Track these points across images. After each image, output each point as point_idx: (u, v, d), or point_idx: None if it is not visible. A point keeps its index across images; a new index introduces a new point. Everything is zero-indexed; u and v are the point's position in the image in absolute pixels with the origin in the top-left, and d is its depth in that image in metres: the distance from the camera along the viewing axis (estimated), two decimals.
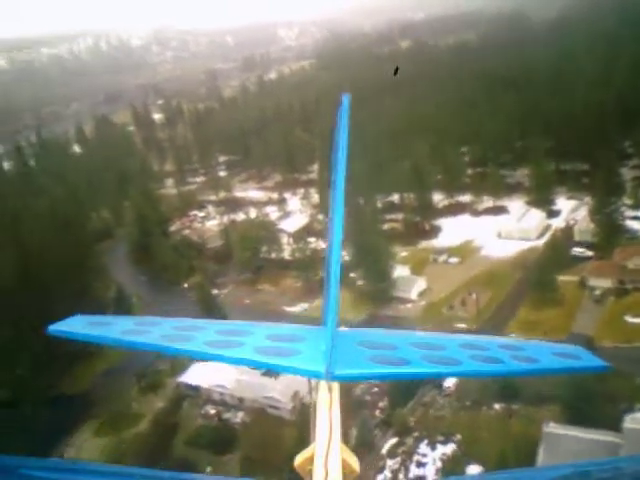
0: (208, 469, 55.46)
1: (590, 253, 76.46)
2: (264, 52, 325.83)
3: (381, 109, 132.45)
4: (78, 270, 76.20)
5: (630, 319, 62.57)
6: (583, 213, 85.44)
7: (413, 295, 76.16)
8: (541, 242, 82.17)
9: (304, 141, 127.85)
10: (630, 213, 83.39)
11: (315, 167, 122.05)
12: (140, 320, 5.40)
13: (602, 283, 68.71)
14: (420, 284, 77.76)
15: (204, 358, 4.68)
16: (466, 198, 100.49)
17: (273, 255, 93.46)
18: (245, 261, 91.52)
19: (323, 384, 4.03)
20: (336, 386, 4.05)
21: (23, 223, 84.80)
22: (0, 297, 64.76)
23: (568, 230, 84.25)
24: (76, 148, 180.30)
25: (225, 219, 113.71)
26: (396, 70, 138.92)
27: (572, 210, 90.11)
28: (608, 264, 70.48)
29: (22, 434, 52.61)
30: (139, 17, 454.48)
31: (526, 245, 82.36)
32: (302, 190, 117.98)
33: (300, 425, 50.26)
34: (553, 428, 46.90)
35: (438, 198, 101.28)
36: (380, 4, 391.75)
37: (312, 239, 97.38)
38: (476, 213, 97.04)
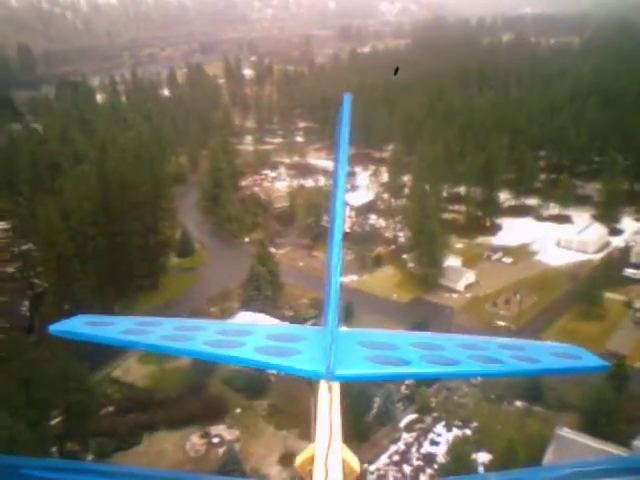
0: (237, 410, 59.82)
1: None
2: (362, 24, 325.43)
3: (469, 100, 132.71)
4: (152, 207, 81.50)
5: None
6: None
7: (460, 286, 78.17)
8: (597, 257, 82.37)
9: (384, 120, 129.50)
10: None
11: (390, 147, 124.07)
12: (141, 320, 5.48)
13: None
14: (469, 277, 79.65)
15: (204, 358, 4.73)
16: (533, 202, 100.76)
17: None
18: (306, 226, 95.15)
19: (323, 384, 4.14)
20: (336, 386, 4.14)
21: (109, 154, 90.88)
22: (77, 221, 70.62)
23: (626, 250, 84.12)
24: (166, 92, 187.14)
25: (295, 183, 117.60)
26: (396, 70, 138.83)
27: (635, 232, 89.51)
28: None
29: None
30: None
31: (582, 257, 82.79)
32: (373, 167, 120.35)
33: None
34: (565, 432, 48.91)
35: (505, 197, 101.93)
36: None
37: (373, 216, 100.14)
38: (540, 218, 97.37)
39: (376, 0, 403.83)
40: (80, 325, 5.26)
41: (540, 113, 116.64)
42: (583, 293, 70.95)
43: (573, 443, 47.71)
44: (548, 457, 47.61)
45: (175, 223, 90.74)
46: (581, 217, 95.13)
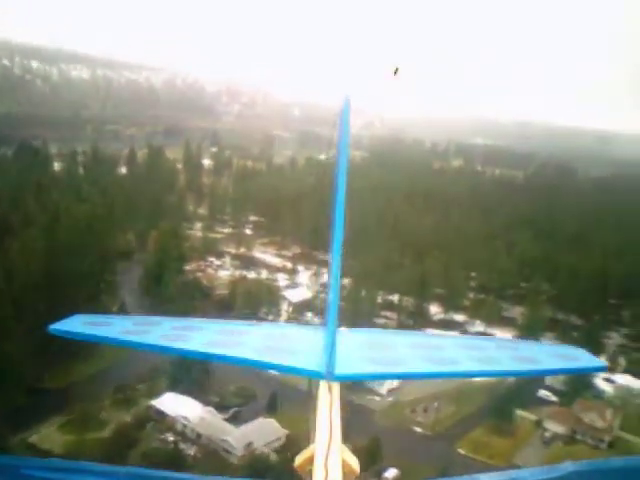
0: None
1: (555, 399, 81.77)
2: (323, 133, 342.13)
3: (415, 217, 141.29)
4: (96, 278, 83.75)
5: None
6: None
7: (383, 390, 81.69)
8: (515, 379, 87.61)
9: (331, 225, 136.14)
10: (603, 374, 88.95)
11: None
12: (140, 320, 5.53)
13: (555, 428, 73.92)
14: (393, 382, 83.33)
15: (204, 358, 4.72)
16: (461, 317, 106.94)
17: (270, 317, 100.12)
18: (244, 315, 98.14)
19: (323, 384, 4.27)
20: (336, 386, 4.28)
21: (60, 222, 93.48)
22: (20, 283, 72.30)
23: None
24: (124, 169, 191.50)
25: (237, 273, 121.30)
26: (396, 70, 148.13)
27: None
28: (567, 412, 75.86)
29: None
30: (221, 66, 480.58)
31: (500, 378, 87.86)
32: (315, 267, 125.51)
33: (246, 473, 55.94)
34: None
35: (435, 310, 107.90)
36: (444, 122, 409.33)
37: (310, 314, 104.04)
38: (465, 333, 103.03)
39: (339, 112, 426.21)
40: (79, 325, 5.29)
41: (476, 238, 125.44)
42: (497, 409, 75.41)
43: None
44: None
45: (115, 297, 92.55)
46: (504, 336, 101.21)
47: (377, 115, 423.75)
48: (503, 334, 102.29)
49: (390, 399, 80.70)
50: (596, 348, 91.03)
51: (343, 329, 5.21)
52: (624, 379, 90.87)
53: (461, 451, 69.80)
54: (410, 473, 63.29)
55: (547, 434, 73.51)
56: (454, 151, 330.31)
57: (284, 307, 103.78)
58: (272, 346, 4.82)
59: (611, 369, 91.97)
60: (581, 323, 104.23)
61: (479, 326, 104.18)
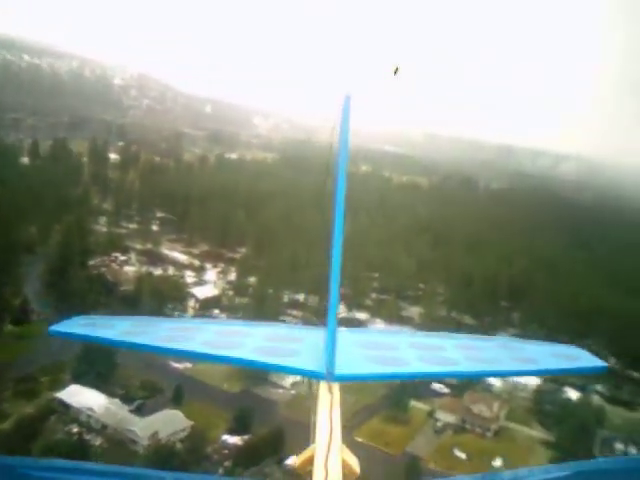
0: None
1: (446, 390, 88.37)
2: (234, 132, 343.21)
3: (322, 219, 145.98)
4: None
5: (457, 453, 73.64)
6: None
7: (287, 383, 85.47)
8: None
9: (241, 224, 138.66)
10: None
11: (242, 249, 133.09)
12: (140, 321, 5.71)
13: (446, 417, 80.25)
14: (296, 376, 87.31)
15: (204, 359, 4.73)
16: (362, 316, 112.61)
17: (176, 314, 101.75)
18: (149, 312, 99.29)
19: (323, 385, 4.45)
20: (336, 386, 4.50)
21: None
22: None
23: None
24: (25, 160, 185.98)
25: (143, 269, 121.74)
26: (396, 70, 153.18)
27: None
28: (457, 403, 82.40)
29: None
30: (131, 58, 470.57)
31: None
32: (223, 265, 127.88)
33: (151, 463, 58.03)
34: None
35: (339, 309, 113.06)
36: (355, 128, 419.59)
37: (216, 310, 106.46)
38: None
39: (250, 112, 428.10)
40: (79, 326, 5.34)
41: (379, 240, 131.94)
42: (394, 400, 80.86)
43: None
44: None
45: (18, 290, 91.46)
46: None
47: (286, 118, 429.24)
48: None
49: (293, 392, 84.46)
50: None
51: (343, 329, 5.16)
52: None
53: (358, 439, 74.47)
54: None
55: (439, 423, 79.71)
56: (363, 156, 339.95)
57: (191, 304, 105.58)
58: (272, 347, 4.86)
59: None
60: (474, 323, 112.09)
61: (379, 324, 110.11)
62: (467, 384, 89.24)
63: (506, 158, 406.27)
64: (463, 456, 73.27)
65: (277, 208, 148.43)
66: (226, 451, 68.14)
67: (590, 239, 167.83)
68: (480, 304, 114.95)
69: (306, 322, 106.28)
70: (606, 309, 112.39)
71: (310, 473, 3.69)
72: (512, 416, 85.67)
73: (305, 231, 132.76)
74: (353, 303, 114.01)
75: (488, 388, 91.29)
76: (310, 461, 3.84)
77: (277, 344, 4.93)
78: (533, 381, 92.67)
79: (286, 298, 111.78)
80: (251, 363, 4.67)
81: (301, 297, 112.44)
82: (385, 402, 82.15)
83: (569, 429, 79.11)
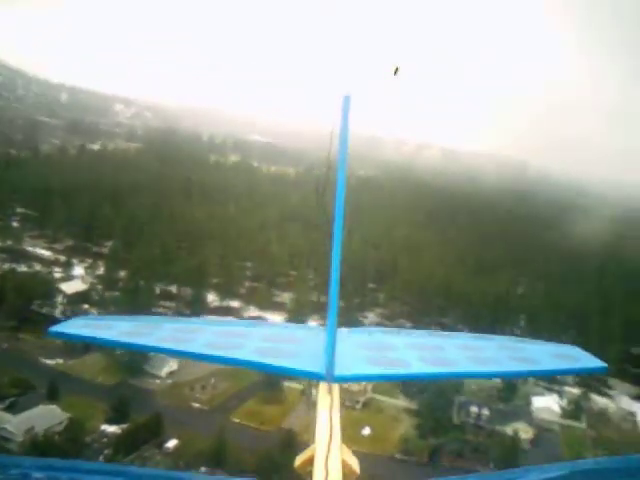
0: None
1: None
2: (94, 121, 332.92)
3: (190, 210, 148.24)
4: None
5: None
6: None
7: (163, 373, 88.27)
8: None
9: (107, 218, 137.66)
10: None
11: (109, 243, 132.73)
12: (140, 322, 5.77)
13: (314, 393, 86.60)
14: (172, 365, 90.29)
15: (204, 360, 4.80)
16: (236, 304, 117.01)
17: (44, 310, 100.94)
18: (14, 309, 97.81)
19: (323, 385, 4.40)
20: (336, 387, 4.42)
21: None
22: None
23: None
24: None
25: (5, 266, 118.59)
26: (396, 70, 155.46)
27: None
28: None
29: None
30: None
31: None
32: (90, 260, 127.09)
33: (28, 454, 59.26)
34: None
35: (212, 298, 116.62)
36: (225, 117, 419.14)
37: (86, 305, 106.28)
38: (241, 318, 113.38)
39: (110, 100, 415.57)
40: (79, 327, 5.47)
41: (251, 229, 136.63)
42: (268, 382, 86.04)
43: None
44: None
45: None
46: (276, 319, 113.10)
47: (149, 105, 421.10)
48: (274, 317, 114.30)
49: (170, 381, 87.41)
50: (355, 326, 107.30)
51: (343, 329, 5.49)
52: None
53: (236, 420, 79.11)
54: (189, 442, 71.17)
55: (312, 399, 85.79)
56: (231, 146, 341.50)
57: (59, 299, 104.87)
58: (272, 348, 4.99)
59: None
60: (343, 305, 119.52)
61: (253, 311, 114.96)
62: None
63: (374, 148, 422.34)
64: None
65: (145, 200, 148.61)
66: (105, 439, 70.30)
67: (445, 221, 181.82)
68: (348, 287, 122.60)
69: (178, 313, 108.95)
70: (458, 287, 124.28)
71: (310, 474, 3.78)
72: (378, 389, 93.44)
73: (175, 223, 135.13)
74: (226, 292, 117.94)
75: None
76: (310, 461, 3.94)
77: (277, 345, 5.09)
78: None
79: (158, 290, 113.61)
80: (251, 364, 4.83)
81: (174, 289, 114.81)
82: (259, 385, 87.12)
83: (430, 397, 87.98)
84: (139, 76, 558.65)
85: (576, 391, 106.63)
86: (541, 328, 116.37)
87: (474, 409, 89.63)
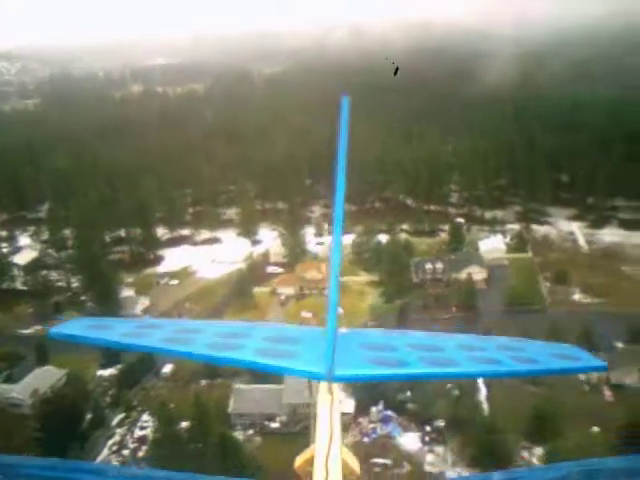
0: None
1: (280, 270, 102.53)
2: None
3: (114, 150, 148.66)
4: None
5: (305, 314, 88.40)
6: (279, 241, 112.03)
7: (137, 311, 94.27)
8: (245, 264, 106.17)
9: (33, 181, 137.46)
10: (315, 240, 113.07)
11: (44, 206, 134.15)
12: (141, 323, 5.92)
13: (287, 290, 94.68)
14: (144, 302, 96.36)
15: (205, 360, 5.27)
16: (187, 232, 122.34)
17: (5, 285, 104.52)
18: None
19: (324, 385, 4.48)
20: (336, 387, 4.50)
21: None
22: None
23: (267, 254, 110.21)
24: None
25: None
26: (396, 70, 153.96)
27: (272, 239, 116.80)
28: (292, 276, 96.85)
29: None
30: None
31: (234, 267, 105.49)
32: (32, 227, 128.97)
33: (47, 413, 64.74)
34: (240, 385, 69.16)
35: (162, 232, 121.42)
36: (114, 46, 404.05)
37: (44, 271, 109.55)
38: (195, 244, 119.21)
39: None
40: (80, 328, 5.62)
41: (178, 155, 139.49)
42: (239, 292, 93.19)
43: (247, 391, 68.15)
44: (232, 403, 67.35)
45: None
46: (228, 236, 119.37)
47: (34, 56, 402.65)
48: (227, 235, 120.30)
49: (147, 316, 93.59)
50: (303, 222, 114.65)
51: (343, 329, 5.45)
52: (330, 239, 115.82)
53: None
54: (183, 363, 77.83)
55: (282, 297, 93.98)
56: (131, 77, 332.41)
57: (16, 272, 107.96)
58: (272, 348, 5.02)
59: (318, 234, 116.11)
60: (286, 207, 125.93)
61: (205, 234, 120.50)
62: (295, 258, 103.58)
63: (273, 42, 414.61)
64: (310, 315, 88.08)
65: (63, 153, 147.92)
66: (106, 383, 76.93)
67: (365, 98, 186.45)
68: (288, 188, 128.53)
69: (133, 255, 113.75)
70: (392, 159, 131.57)
71: (310, 474, 3.87)
72: (340, 271, 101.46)
73: (100, 167, 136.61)
74: (174, 222, 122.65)
75: (315, 257, 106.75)
76: (310, 461, 4.03)
77: (277, 345, 5.14)
78: (347, 239, 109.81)
79: (108, 238, 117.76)
80: (252, 364, 4.85)
81: (122, 232, 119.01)
82: (231, 297, 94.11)
83: (387, 266, 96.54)
84: (18, 27, 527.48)
85: (517, 227, 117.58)
86: (475, 179, 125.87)
87: (429, 266, 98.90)
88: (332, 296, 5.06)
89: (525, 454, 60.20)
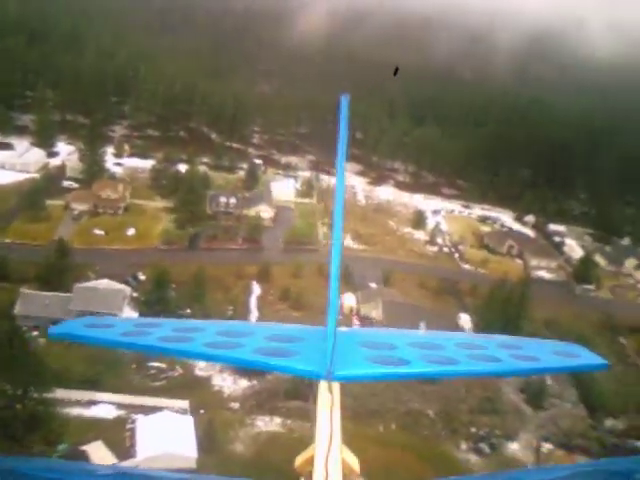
0: None
1: (77, 185, 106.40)
2: None
3: None
4: None
5: (97, 231, 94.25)
6: (76, 156, 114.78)
7: None
8: (39, 175, 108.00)
9: None
10: (114, 160, 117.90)
11: None
12: (140, 322, 6.03)
13: (81, 207, 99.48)
14: None
15: (205, 359, 6.56)
16: None
17: None
18: None
19: (323, 384, 4.53)
20: (336, 386, 4.53)
21: None
22: None
23: (63, 168, 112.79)
24: None
25: None
26: (396, 70, 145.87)
27: (69, 153, 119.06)
28: (88, 193, 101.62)
29: None
30: None
31: (25, 176, 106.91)
32: None
33: None
34: (26, 290, 74.08)
35: None
36: None
37: None
38: None
39: None
40: (80, 327, 5.75)
41: None
42: (31, 202, 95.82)
43: (36, 296, 73.04)
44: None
45: None
46: (21, 143, 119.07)
47: None
48: (20, 142, 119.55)
49: None
50: (103, 141, 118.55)
51: (343, 329, 5.47)
52: (131, 161, 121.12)
53: (7, 240, 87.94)
54: None
55: (75, 212, 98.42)
56: None
57: None
58: (272, 347, 5.09)
59: (118, 155, 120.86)
60: (86, 121, 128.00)
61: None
62: (92, 176, 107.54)
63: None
64: (102, 232, 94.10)
65: None
66: None
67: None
68: (90, 103, 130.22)
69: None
70: (201, 91, 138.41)
71: (310, 474, 3.93)
72: (136, 194, 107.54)
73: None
74: None
75: (112, 176, 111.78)
76: (310, 461, 4.07)
77: (277, 344, 5.16)
78: (147, 163, 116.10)
79: None
80: (252, 363, 4.96)
81: None
82: (20, 208, 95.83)
83: (182, 195, 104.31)
84: None
85: (308, 174, 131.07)
86: (278, 124, 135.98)
87: (223, 199, 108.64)
88: (332, 296, 5.13)
89: None
